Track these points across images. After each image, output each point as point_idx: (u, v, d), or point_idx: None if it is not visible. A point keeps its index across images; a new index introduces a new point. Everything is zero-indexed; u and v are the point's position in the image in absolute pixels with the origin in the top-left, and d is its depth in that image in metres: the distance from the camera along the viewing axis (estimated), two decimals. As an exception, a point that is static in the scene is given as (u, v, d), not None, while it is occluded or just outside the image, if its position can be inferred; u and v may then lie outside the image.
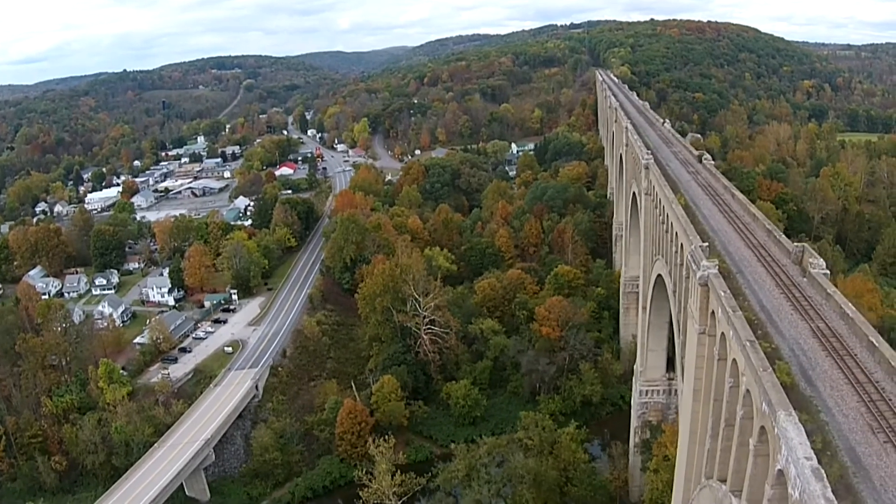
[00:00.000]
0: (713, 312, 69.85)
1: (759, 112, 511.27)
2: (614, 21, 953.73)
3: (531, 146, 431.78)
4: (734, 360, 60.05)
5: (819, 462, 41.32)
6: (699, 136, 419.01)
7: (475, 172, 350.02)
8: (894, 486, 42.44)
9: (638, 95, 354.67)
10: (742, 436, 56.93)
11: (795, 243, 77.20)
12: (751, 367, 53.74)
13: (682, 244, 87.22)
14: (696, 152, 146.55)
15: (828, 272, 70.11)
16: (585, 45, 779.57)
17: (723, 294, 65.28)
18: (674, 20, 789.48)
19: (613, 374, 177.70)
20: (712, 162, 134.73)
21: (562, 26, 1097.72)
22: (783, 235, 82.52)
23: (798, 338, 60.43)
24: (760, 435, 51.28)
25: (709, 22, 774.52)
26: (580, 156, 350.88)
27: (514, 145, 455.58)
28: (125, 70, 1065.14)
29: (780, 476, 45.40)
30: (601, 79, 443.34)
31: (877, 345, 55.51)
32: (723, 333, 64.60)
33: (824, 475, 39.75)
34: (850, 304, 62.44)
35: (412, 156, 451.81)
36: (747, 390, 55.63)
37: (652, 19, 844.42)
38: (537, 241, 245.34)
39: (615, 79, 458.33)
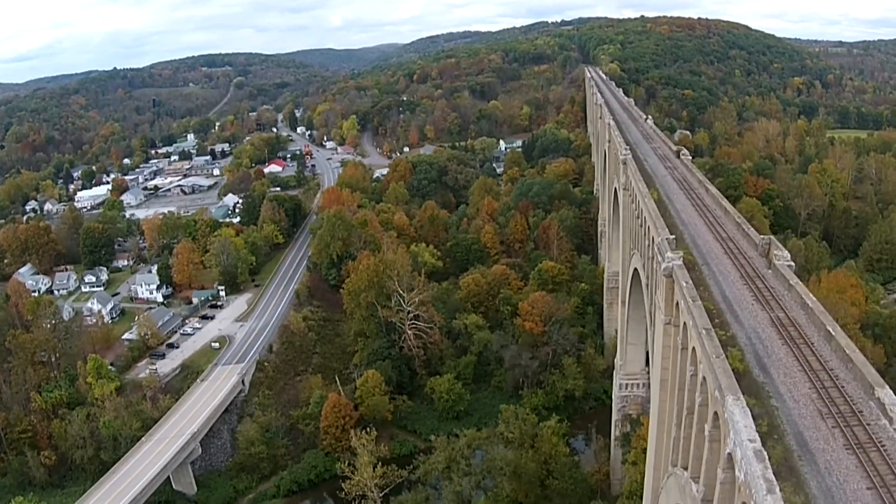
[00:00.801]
0: (678, 303, 71.63)
1: (749, 109, 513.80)
2: (605, 18, 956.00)
3: (519, 143, 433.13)
4: (693, 348, 61.88)
5: (764, 445, 43.02)
6: (688, 132, 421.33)
7: (462, 169, 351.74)
8: (839, 469, 44.08)
9: (626, 93, 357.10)
10: (700, 423, 58.65)
11: (762, 236, 79.20)
12: (706, 354, 55.59)
13: (653, 237, 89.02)
14: (674, 148, 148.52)
15: (792, 264, 72.05)
16: (575, 42, 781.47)
17: (685, 284, 67.20)
18: (664, 17, 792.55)
19: (597, 368, 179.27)
20: (690, 157, 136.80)
21: (553, 23, 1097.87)
22: (751, 228, 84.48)
23: (757, 327, 62.35)
24: (714, 421, 52.94)
25: (699, 19, 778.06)
26: (567, 152, 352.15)
27: (502, 142, 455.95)
28: (115, 68, 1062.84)
29: (730, 459, 46.99)
30: (589, 76, 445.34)
31: (833, 334, 57.35)
32: (685, 323, 66.40)
33: (766, 457, 41.42)
34: (810, 295, 64.36)
35: (401, 153, 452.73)
36: (704, 378, 57.47)
37: (642, 16, 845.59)
38: (523, 238, 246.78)
39: (603, 76, 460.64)
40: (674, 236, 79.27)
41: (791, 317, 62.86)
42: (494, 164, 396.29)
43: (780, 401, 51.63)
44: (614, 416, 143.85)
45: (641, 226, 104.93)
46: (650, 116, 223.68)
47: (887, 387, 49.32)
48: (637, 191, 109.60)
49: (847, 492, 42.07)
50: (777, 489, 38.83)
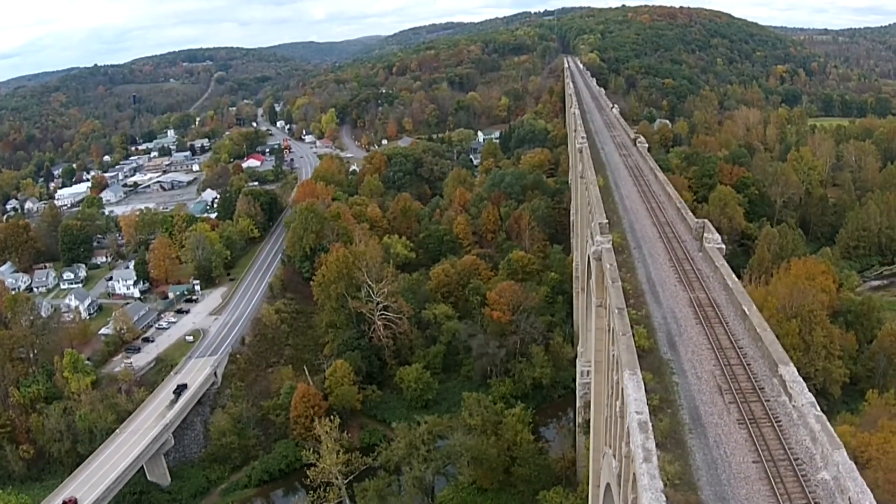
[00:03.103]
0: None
1: (731, 97, 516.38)
2: (588, 8, 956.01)
3: (497, 134, 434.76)
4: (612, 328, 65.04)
5: (654, 417, 45.91)
6: (667, 121, 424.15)
7: (438, 161, 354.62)
8: (728, 442, 47.06)
9: (605, 83, 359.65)
10: (616, 400, 61.63)
11: (697, 220, 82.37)
12: (615, 332, 58.69)
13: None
14: (632, 136, 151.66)
15: (722, 247, 75.36)
16: (556, 32, 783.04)
17: (608, 266, 70.38)
18: (645, 6, 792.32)
19: (565, 357, 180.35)
20: (646, 145, 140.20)
21: (536, 13, 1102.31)
22: (689, 213, 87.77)
23: (675, 307, 65.63)
24: (623, 397, 55.95)
25: (681, 8, 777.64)
26: (544, 143, 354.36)
27: (480, 133, 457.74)
28: (96, 65, 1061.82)
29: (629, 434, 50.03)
30: (567, 66, 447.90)
31: (748, 313, 60.55)
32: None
33: (650, 428, 44.30)
34: (732, 276, 67.69)
35: (379, 146, 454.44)
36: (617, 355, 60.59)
37: (623, 5, 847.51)
38: (495, 228, 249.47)
39: (581, 66, 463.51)
40: (607, 221, 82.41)
41: (712, 297, 66.07)
42: (472, 156, 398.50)
43: (682, 377, 54.58)
44: (577, 404, 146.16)
45: (590, 212, 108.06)
46: (616, 105, 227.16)
47: (791, 364, 52.12)
48: (587, 178, 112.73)
49: (732, 464, 44.78)
50: (654, 458, 41.46)
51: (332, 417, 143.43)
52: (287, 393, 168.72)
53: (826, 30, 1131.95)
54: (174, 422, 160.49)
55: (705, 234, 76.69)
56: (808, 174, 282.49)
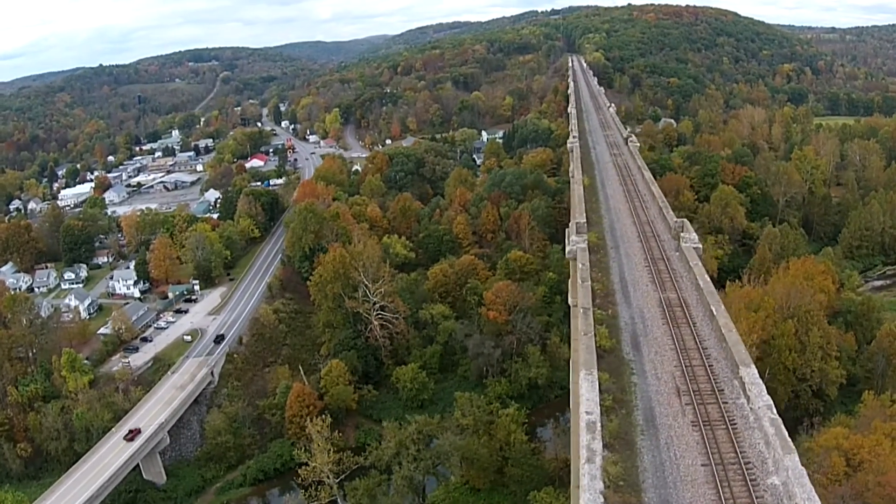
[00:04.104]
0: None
1: (737, 96, 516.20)
2: (594, 7, 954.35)
3: (501, 134, 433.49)
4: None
5: (605, 417, 45.53)
6: (672, 121, 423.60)
7: (439, 161, 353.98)
8: (679, 444, 46.65)
9: (610, 82, 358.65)
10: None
11: (676, 219, 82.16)
12: (577, 332, 58.47)
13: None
14: (624, 135, 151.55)
15: (699, 246, 75.39)
16: (561, 31, 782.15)
17: (580, 266, 70.33)
18: (651, 5, 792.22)
19: (562, 357, 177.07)
20: (637, 144, 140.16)
21: (543, 12, 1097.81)
22: (671, 212, 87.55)
23: (644, 307, 65.51)
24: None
25: (687, 6, 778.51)
26: (547, 142, 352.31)
27: (484, 133, 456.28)
28: (101, 65, 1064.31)
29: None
30: (570, 65, 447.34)
31: (715, 314, 60.28)
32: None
33: (598, 428, 43.88)
34: (705, 276, 67.55)
35: (382, 145, 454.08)
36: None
37: (629, 4, 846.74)
38: (494, 228, 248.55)
39: (584, 65, 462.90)
40: (585, 220, 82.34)
41: (682, 297, 65.91)
42: (475, 156, 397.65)
43: (642, 377, 54.35)
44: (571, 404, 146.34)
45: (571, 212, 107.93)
46: (613, 105, 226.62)
47: (752, 366, 51.93)
48: (573, 178, 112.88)
49: (680, 467, 44.42)
50: (598, 459, 41.16)
51: (323, 417, 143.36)
52: (283, 392, 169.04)
53: (833, 28, 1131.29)
54: (169, 421, 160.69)
55: (682, 234, 76.43)
56: (811, 173, 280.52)
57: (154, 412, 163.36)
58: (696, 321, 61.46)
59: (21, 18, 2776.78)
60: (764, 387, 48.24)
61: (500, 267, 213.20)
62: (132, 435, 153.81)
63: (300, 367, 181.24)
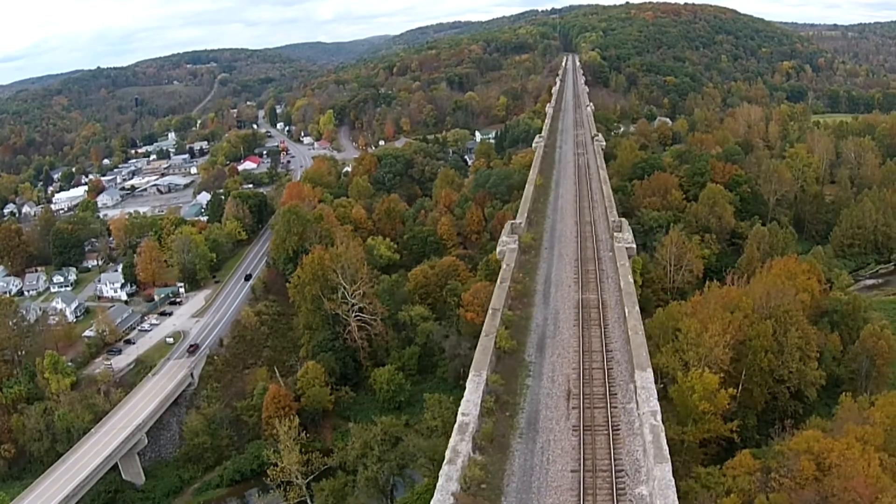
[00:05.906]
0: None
1: (735, 94, 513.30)
2: (593, 5, 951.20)
3: (494, 134, 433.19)
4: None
5: (485, 419, 45.11)
6: (668, 119, 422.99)
7: (428, 161, 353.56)
8: (554, 449, 46.05)
9: (606, 81, 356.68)
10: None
11: (614, 219, 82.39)
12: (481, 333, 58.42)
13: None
14: (591, 133, 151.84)
15: (633, 245, 75.53)
16: (558, 30, 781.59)
17: (504, 267, 70.72)
18: (649, 3, 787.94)
19: None
20: (603, 143, 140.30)
21: (542, 12, 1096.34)
22: (614, 212, 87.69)
23: (561, 308, 65.40)
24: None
25: (685, 4, 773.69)
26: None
27: (477, 133, 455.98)
28: (99, 67, 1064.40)
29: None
30: (563, 65, 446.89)
31: (626, 316, 60.24)
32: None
33: (469, 430, 43.41)
34: (628, 277, 67.80)
35: (376, 146, 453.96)
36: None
37: (627, 2, 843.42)
38: (479, 229, 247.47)
39: (577, 64, 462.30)
40: (520, 221, 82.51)
41: (602, 298, 65.80)
42: (466, 156, 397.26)
43: (538, 379, 53.81)
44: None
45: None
46: (591, 104, 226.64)
47: (649, 370, 51.51)
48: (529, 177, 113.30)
49: (550, 472, 43.83)
50: (459, 460, 40.59)
51: (290, 417, 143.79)
52: (259, 394, 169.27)
53: (836, 25, 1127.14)
54: (147, 422, 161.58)
55: (615, 234, 76.55)
56: (803, 171, 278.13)
57: (133, 413, 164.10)
58: (608, 323, 61.36)
59: (22, 20, 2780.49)
60: (654, 392, 48.01)
61: (480, 268, 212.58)
62: (193, 349, 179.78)
63: (276, 369, 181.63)
